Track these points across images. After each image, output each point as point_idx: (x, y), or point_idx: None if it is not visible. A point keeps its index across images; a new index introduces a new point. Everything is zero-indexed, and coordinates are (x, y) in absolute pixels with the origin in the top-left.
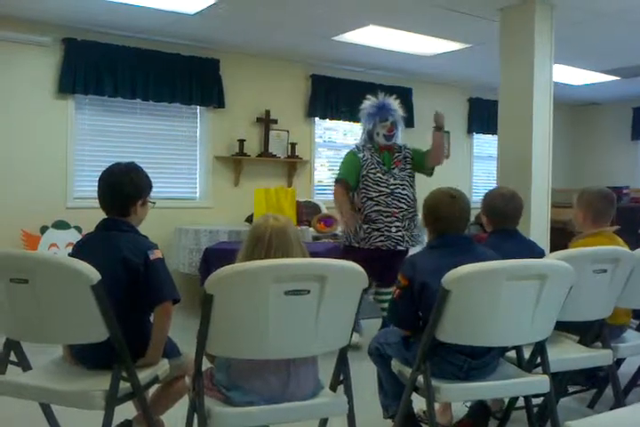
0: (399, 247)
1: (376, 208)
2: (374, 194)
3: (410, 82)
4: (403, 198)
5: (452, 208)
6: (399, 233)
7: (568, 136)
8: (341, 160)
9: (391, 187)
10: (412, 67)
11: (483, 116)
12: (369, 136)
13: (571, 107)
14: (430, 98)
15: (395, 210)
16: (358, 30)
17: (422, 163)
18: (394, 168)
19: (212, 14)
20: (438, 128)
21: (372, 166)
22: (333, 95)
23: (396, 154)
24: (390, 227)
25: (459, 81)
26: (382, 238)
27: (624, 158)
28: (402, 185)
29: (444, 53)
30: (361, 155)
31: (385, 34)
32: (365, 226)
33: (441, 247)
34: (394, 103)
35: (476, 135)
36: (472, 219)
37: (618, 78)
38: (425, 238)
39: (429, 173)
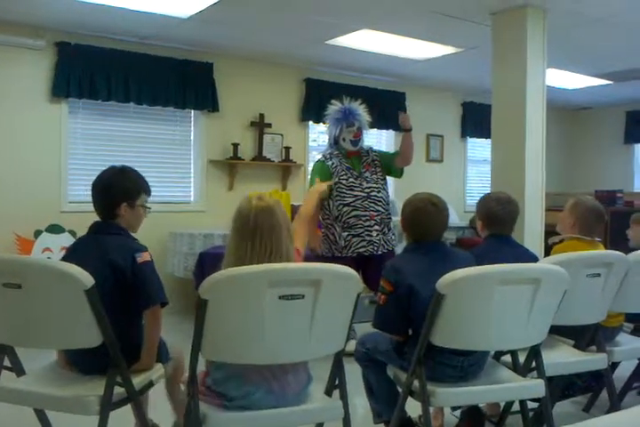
0: (380, 251)
1: (354, 213)
2: (350, 199)
3: (403, 86)
4: (379, 201)
5: (434, 216)
6: (378, 237)
7: (561, 140)
8: (311, 172)
9: (366, 190)
10: (405, 71)
11: (476, 120)
12: (335, 142)
13: (564, 111)
14: (424, 102)
15: (373, 213)
16: (352, 34)
17: (391, 165)
18: (365, 172)
19: (206, 18)
20: (405, 129)
21: (343, 172)
22: (327, 99)
23: (364, 158)
24: (371, 231)
25: (452, 85)
26: (364, 244)
27: (617, 162)
28: (376, 188)
29: (437, 58)
30: (329, 162)
31: (378, 38)
32: (345, 233)
33: (420, 252)
34: (359, 108)
35: (469, 139)
36: (467, 223)
37: (611, 82)
38: (398, 242)
39: (399, 174)
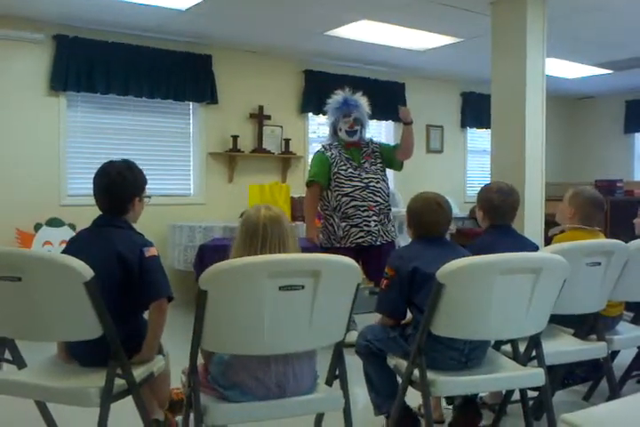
0: (379, 242)
1: (353, 204)
2: (349, 189)
3: (403, 77)
4: (378, 192)
5: (438, 215)
6: (377, 227)
7: (561, 130)
8: (310, 163)
9: (365, 181)
10: (404, 62)
11: (476, 111)
12: (333, 131)
13: (564, 100)
14: (423, 93)
15: (371, 204)
16: (351, 25)
17: (391, 158)
18: (364, 162)
19: (204, 10)
20: (406, 123)
21: (342, 163)
22: (326, 91)
23: (364, 149)
24: (369, 221)
25: (451, 75)
26: (362, 234)
27: (617, 151)
28: (375, 178)
29: (437, 48)
30: (329, 153)
31: (377, 29)
32: (343, 224)
33: (424, 243)
34: (359, 99)
35: (469, 129)
36: (468, 213)
37: (610, 71)
38: (398, 233)
39: (399, 167)
